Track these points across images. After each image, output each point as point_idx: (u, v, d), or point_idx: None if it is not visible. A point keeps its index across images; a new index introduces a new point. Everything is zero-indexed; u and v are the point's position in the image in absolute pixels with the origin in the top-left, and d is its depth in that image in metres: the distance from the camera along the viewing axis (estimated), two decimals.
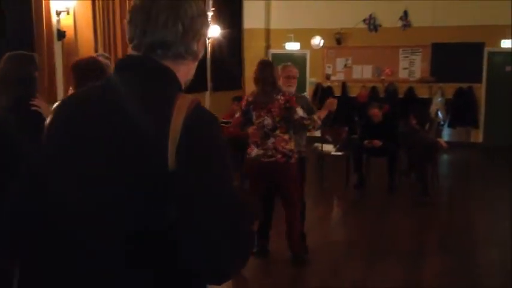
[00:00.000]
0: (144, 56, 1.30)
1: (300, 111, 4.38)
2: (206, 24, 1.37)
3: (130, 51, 1.34)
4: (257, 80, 4.46)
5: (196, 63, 1.40)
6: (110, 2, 7.77)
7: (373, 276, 4.46)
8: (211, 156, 1.20)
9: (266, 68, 4.45)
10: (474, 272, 4.54)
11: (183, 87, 1.35)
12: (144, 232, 1.18)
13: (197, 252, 1.15)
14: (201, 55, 1.38)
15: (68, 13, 7.01)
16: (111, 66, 5.02)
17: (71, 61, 7.13)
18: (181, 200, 1.16)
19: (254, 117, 4.44)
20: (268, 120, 4.37)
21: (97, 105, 1.28)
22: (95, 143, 1.23)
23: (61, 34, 6.96)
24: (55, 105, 1.99)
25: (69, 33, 7.12)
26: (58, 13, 6.88)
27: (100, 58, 5.69)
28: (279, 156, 4.37)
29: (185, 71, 1.36)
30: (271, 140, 4.38)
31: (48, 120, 1.44)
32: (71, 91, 4.66)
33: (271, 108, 4.36)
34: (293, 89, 4.75)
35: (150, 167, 1.18)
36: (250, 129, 4.47)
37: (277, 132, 4.38)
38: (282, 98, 4.37)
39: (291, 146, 4.45)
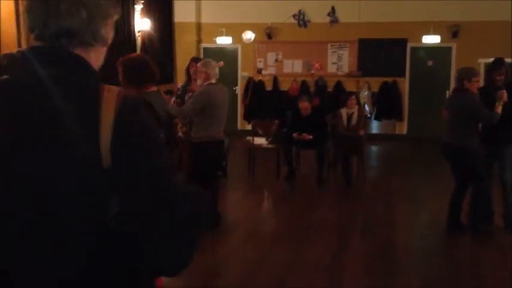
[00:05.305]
0: (53, 46, 1.19)
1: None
2: (114, 6, 1.27)
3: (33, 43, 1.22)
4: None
5: (105, 48, 1.30)
6: None
7: (300, 264, 4.61)
8: (147, 150, 1.17)
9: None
10: (392, 256, 4.80)
11: None
12: (87, 228, 1.14)
13: (146, 244, 1.15)
14: (110, 39, 1.29)
15: None
16: None
17: None
18: (122, 194, 1.14)
19: None
20: None
21: (17, 104, 1.17)
22: (22, 145, 1.14)
23: None
24: None
25: None
26: None
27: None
28: None
29: (96, 58, 1.26)
30: None
31: None
32: None
33: None
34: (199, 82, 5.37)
35: (83, 166, 1.12)
36: None
37: None
38: None
39: None
